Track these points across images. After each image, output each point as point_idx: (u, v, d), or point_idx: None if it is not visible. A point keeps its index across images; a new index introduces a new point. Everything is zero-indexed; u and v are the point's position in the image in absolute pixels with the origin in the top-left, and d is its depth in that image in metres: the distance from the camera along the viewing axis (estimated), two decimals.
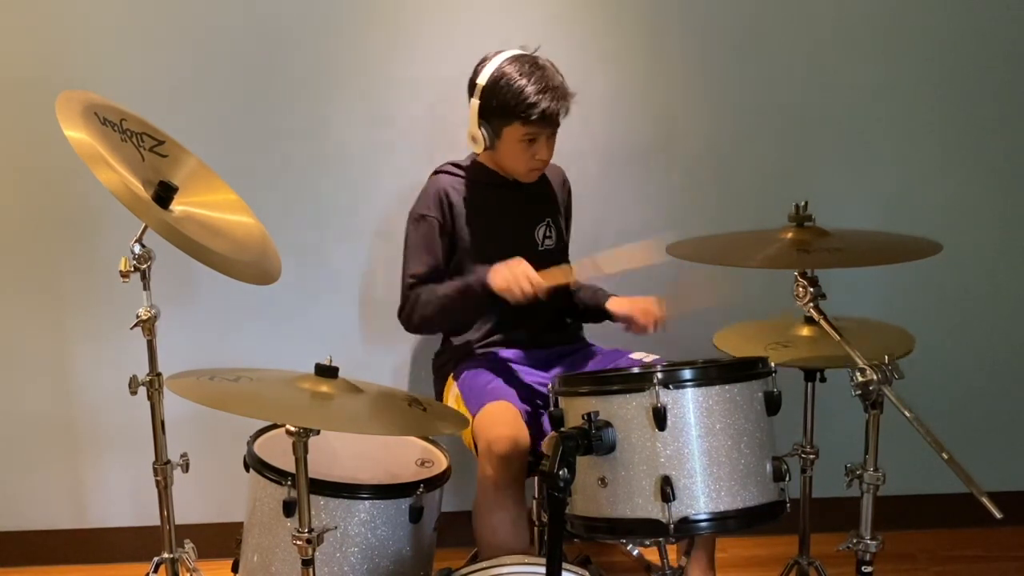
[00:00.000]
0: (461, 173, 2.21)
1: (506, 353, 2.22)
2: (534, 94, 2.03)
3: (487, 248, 2.17)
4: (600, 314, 2.27)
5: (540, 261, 2.24)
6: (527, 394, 2.12)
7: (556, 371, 2.19)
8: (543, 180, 2.29)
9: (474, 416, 2.02)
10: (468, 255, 2.18)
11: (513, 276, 1.98)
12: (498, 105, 2.06)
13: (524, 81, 2.03)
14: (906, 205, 2.67)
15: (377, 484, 1.88)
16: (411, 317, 2.16)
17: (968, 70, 2.62)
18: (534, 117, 2.04)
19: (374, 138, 2.57)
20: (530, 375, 2.18)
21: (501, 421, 1.97)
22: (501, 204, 2.21)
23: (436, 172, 2.24)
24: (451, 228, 2.17)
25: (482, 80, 2.07)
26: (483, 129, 2.10)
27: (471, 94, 2.11)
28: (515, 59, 2.07)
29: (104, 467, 2.70)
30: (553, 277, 2.03)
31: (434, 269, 2.16)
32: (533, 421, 2.03)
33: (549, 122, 2.08)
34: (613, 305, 2.22)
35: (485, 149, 2.13)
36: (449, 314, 2.14)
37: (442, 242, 2.16)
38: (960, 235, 2.62)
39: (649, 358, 2.17)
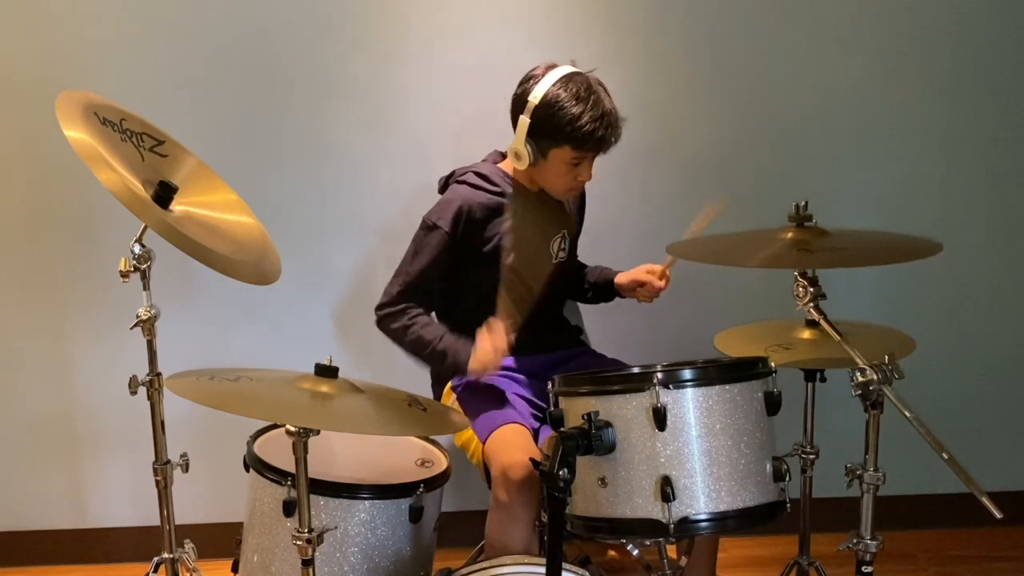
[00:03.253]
0: (485, 184, 2.15)
1: (506, 361, 2.21)
2: (590, 121, 1.99)
3: (502, 260, 2.15)
4: (609, 289, 2.30)
5: (553, 274, 2.23)
6: (529, 407, 2.11)
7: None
8: None
9: (484, 441, 2.00)
10: (482, 266, 2.14)
11: (487, 361, 2.00)
12: (551, 127, 2.01)
13: (580, 107, 1.99)
14: (906, 205, 2.67)
15: (377, 484, 1.88)
16: (383, 324, 2.15)
17: (968, 70, 2.62)
18: (588, 145, 2.02)
19: (374, 138, 2.57)
20: (529, 386, 2.16)
21: (515, 447, 1.93)
22: (521, 216, 2.16)
23: (459, 180, 2.18)
24: (463, 241, 2.12)
25: (534, 99, 2.01)
26: (529, 147, 2.06)
27: (519, 110, 2.05)
28: (569, 79, 2.02)
29: (104, 467, 2.70)
30: (510, 317, 2.06)
31: (428, 286, 2.13)
32: (535, 434, 2.03)
33: (602, 149, 2.06)
34: (620, 279, 2.25)
35: (529, 166, 2.09)
36: (417, 357, 2.13)
37: (447, 256, 2.12)
38: (960, 235, 2.63)
39: None
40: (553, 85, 2.01)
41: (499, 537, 1.92)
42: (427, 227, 2.13)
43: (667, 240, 1.95)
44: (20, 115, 2.50)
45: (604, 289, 2.33)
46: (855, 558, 1.71)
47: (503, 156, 2.21)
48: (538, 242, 2.21)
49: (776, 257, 1.79)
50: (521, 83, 2.07)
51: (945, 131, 2.65)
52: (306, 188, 2.58)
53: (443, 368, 2.10)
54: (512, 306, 2.07)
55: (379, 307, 2.16)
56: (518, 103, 2.06)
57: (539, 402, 2.12)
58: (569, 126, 2.00)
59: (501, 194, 2.16)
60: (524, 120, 2.03)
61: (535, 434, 2.04)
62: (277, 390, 1.64)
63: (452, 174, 2.22)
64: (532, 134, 2.04)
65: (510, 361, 2.20)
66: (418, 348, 2.10)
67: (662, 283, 2.19)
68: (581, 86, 2.02)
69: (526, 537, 1.92)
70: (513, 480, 1.88)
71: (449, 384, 2.22)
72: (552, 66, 2.06)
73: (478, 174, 2.17)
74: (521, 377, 2.19)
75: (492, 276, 2.15)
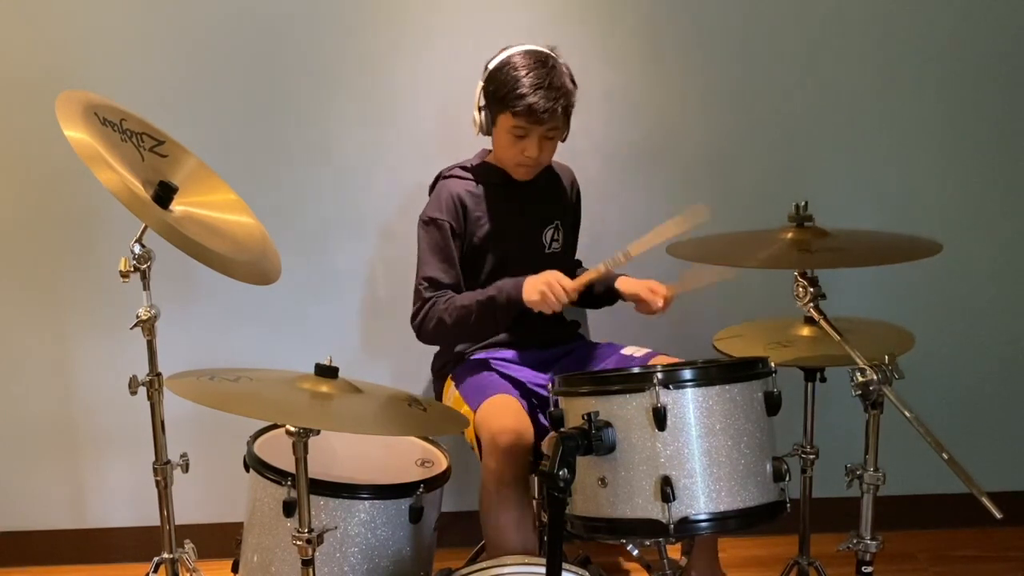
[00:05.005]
0: (470, 176, 2.19)
1: (505, 354, 2.22)
2: (526, 87, 2.01)
3: (495, 250, 2.16)
4: (610, 294, 2.26)
5: (547, 264, 2.23)
6: (526, 392, 2.12)
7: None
8: (553, 181, 2.28)
9: (475, 411, 2.00)
10: (476, 258, 2.17)
11: (548, 286, 1.97)
12: (494, 91, 2.06)
13: (523, 73, 2.02)
14: (906, 205, 2.67)
15: (377, 484, 1.88)
16: (424, 326, 2.12)
17: (968, 69, 2.61)
18: (519, 109, 2.02)
19: (375, 138, 2.57)
20: (529, 376, 2.17)
21: (504, 413, 1.95)
22: (510, 206, 2.19)
23: (444, 176, 2.21)
24: (463, 231, 2.15)
25: (491, 64, 2.08)
26: (482, 113, 2.10)
27: (482, 77, 2.12)
28: (528, 52, 2.07)
29: (104, 467, 2.70)
30: (582, 278, 2.03)
31: (449, 274, 2.13)
32: (532, 420, 2.03)
33: (535, 118, 2.03)
34: (622, 284, 2.22)
35: (480, 133, 2.13)
36: (468, 327, 2.09)
37: (456, 246, 2.14)
38: (960, 235, 2.62)
39: (640, 352, 2.17)
40: (511, 54, 2.06)
41: (492, 512, 1.93)
42: (426, 223, 2.16)
43: (700, 210, 1.94)
44: (20, 115, 2.50)
45: (607, 291, 2.30)
46: (855, 558, 1.71)
47: (489, 152, 2.23)
48: (529, 232, 2.21)
49: (776, 257, 1.79)
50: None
51: (945, 131, 2.65)
52: (306, 188, 2.58)
53: (501, 313, 2.05)
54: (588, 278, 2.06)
55: (412, 320, 2.16)
56: (484, 72, 2.12)
57: (538, 391, 2.13)
58: (507, 89, 2.03)
59: (487, 183, 2.17)
60: (479, 85, 2.09)
61: (537, 423, 2.03)
62: (277, 390, 1.64)
63: (439, 174, 2.25)
64: (484, 99, 2.09)
65: (510, 354, 2.21)
66: (466, 319, 2.07)
67: (660, 305, 2.12)
68: (535, 59, 2.05)
69: (518, 513, 1.93)
70: (501, 446, 1.89)
71: (450, 377, 2.22)
72: (525, 44, 2.10)
73: (463, 167, 2.21)
74: (522, 368, 2.20)
75: (484, 266, 2.16)
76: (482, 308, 2.06)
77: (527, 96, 2.01)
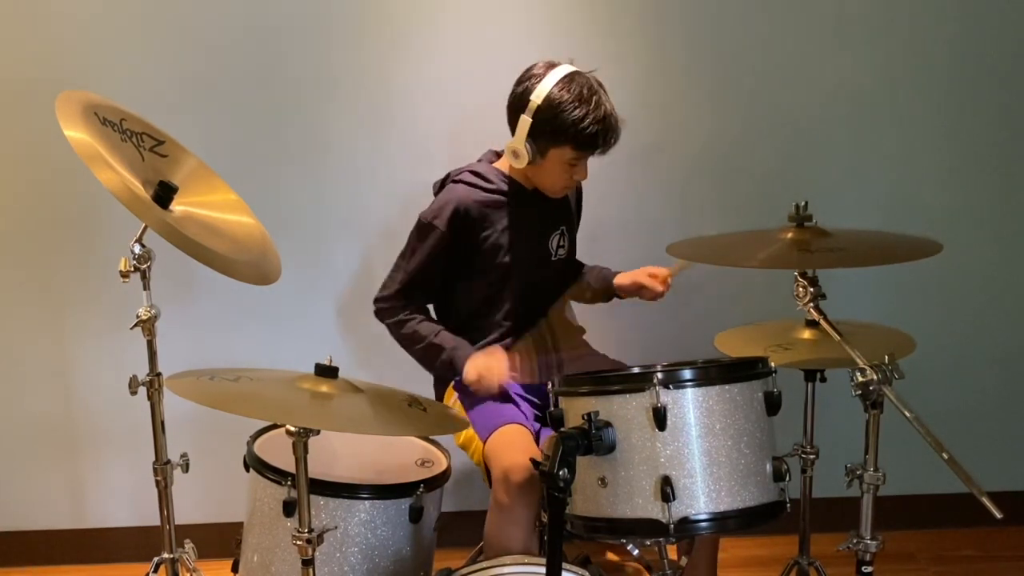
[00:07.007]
0: (481, 183, 2.15)
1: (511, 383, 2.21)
2: (592, 123, 1.99)
3: (502, 260, 2.14)
4: (608, 291, 2.28)
5: (554, 271, 2.23)
6: (532, 408, 2.10)
7: None
8: None
9: (485, 440, 1.99)
10: (482, 266, 2.14)
11: (487, 371, 2.03)
12: (553, 128, 2.01)
13: (583, 109, 1.99)
14: (906, 205, 2.67)
15: (377, 484, 1.88)
16: (381, 315, 2.19)
17: (969, 69, 2.61)
18: (583, 143, 2.02)
19: (374, 138, 2.57)
20: (532, 387, 2.15)
21: (517, 447, 1.93)
22: (518, 214, 2.16)
23: (455, 180, 2.17)
24: (460, 242, 2.12)
25: (536, 98, 2.00)
26: (528, 146, 2.05)
27: (520, 109, 2.03)
28: (571, 80, 2.01)
29: (104, 467, 2.70)
30: (523, 359, 2.08)
31: (425, 288, 2.16)
32: (540, 437, 2.02)
33: (597, 148, 2.06)
34: (621, 280, 2.24)
35: (528, 163, 2.08)
36: (408, 347, 2.17)
37: (445, 255, 2.12)
38: (960, 235, 2.62)
39: None
40: (555, 85, 2.00)
41: (498, 538, 1.92)
42: (424, 226, 2.13)
43: (667, 240, 1.95)
44: (20, 115, 2.50)
45: (603, 291, 2.32)
46: (855, 558, 1.71)
47: (498, 155, 2.21)
48: (536, 239, 2.20)
49: (776, 257, 1.79)
50: (521, 81, 2.06)
51: (946, 131, 2.65)
52: (306, 188, 2.58)
53: (438, 364, 2.11)
54: (528, 350, 2.11)
55: (377, 299, 2.19)
56: (519, 102, 2.04)
57: (541, 402, 2.12)
58: (572, 128, 1.99)
59: (497, 192, 2.15)
60: (525, 119, 2.02)
61: (536, 435, 2.03)
62: (277, 390, 1.64)
63: (448, 176, 2.22)
64: (533, 134, 2.03)
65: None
66: (414, 342, 2.14)
67: (661, 288, 2.17)
68: (583, 87, 2.01)
69: (525, 538, 1.92)
70: (514, 482, 1.88)
71: (452, 384, 2.22)
72: (552, 65, 2.04)
73: (474, 172, 2.16)
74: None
75: (490, 275, 2.15)
76: (429, 348, 2.12)
77: (587, 129, 1.99)
